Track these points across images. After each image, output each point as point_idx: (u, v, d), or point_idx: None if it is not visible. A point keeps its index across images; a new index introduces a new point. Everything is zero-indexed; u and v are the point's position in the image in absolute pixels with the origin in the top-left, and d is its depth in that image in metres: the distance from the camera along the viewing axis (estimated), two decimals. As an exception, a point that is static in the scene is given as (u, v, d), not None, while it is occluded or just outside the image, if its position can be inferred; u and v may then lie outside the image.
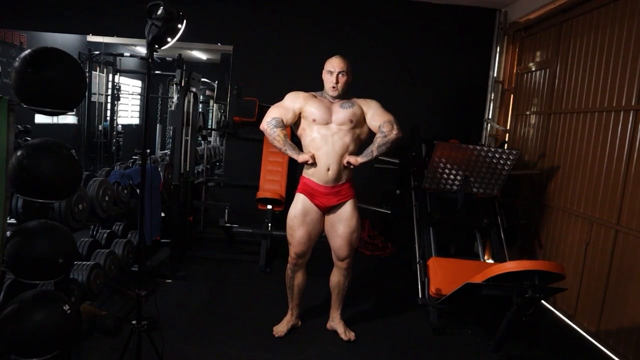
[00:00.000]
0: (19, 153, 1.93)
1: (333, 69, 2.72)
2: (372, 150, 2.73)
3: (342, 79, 2.73)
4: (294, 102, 2.79)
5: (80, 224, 2.78)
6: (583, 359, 3.13)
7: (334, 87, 2.74)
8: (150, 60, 2.18)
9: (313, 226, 2.86)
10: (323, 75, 2.79)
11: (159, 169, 4.09)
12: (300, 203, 2.85)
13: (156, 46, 2.18)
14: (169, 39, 2.20)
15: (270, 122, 2.75)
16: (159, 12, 2.10)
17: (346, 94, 2.81)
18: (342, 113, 2.74)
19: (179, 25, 2.21)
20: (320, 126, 2.73)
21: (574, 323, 3.57)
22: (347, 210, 2.84)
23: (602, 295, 3.26)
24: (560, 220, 3.91)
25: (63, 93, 1.99)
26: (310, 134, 2.77)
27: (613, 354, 3.10)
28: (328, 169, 2.75)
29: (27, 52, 1.94)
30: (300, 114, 2.79)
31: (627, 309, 3.03)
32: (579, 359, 3.13)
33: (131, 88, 8.07)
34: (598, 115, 3.51)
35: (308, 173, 2.84)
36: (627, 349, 3.01)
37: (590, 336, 3.35)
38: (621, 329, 3.08)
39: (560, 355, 3.14)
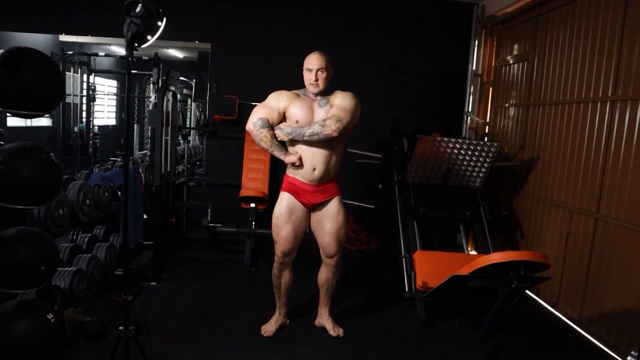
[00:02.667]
0: (-6, 158, 1.87)
1: (312, 66, 2.69)
2: (304, 133, 2.65)
3: (322, 76, 2.69)
4: (278, 101, 2.75)
5: (61, 230, 2.71)
6: (567, 345, 3.19)
7: (313, 85, 2.70)
8: (130, 59, 2.13)
9: (299, 224, 2.85)
10: (303, 72, 2.75)
11: (140, 170, 4.01)
12: (285, 201, 2.83)
13: (136, 44, 2.13)
14: (149, 37, 2.15)
15: (257, 122, 2.71)
16: (138, 9, 2.05)
17: (329, 89, 2.78)
18: (321, 113, 2.71)
19: (159, 23, 2.17)
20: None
21: (557, 311, 3.65)
22: (333, 207, 2.84)
23: (584, 283, 3.33)
24: (541, 210, 3.98)
25: (39, 94, 1.93)
26: None
27: (595, 339, 3.18)
28: (314, 169, 2.74)
29: (-1, 52, 1.87)
30: (284, 113, 2.75)
31: (608, 295, 3.11)
32: (563, 345, 3.19)
33: (107, 88, 7.89)
34: (576, 107, 3.57)
35: (293, 172, 2.81)
36: (608, 334, 3.09)
37: (573, 323, 3.42)
38: (603, 314, 3.15)
39: (545, 343, 3.20)
